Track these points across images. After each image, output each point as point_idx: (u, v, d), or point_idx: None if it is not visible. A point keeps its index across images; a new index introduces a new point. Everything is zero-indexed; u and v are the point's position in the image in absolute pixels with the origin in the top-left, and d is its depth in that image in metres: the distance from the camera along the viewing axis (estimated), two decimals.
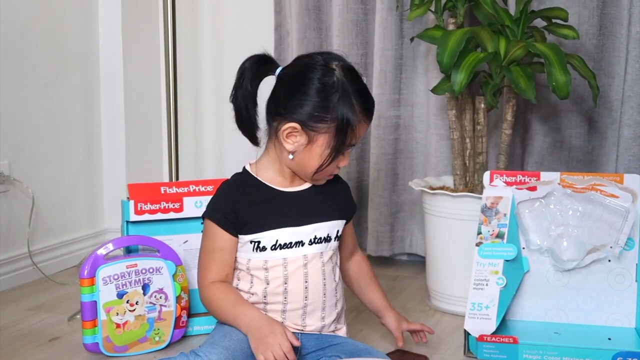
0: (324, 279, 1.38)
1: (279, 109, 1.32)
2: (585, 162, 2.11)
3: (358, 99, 1.31)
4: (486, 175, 1.73)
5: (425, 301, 1.97)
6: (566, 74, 1.69)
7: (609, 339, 1.58)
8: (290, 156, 1.35)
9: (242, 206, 1.36)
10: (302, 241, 1.36)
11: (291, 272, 1.36)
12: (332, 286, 1.39)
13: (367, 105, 1.33)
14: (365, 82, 1.37)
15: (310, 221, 1.37)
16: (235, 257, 1.38)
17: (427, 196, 1.92)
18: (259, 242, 1.35)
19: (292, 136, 1.32)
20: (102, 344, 1.55)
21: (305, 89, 1.29)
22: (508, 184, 1.71)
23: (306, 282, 1.36)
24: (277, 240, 1.35)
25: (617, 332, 1.62)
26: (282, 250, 1.35)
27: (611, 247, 1.64)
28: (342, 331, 1.43)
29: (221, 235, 1.37)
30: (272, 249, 1.35)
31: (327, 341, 1.38)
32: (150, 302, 1.60)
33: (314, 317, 1.37)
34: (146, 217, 1.67)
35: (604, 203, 1.65)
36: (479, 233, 1.66)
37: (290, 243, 1.35)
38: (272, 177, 1.39)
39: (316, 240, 1.37)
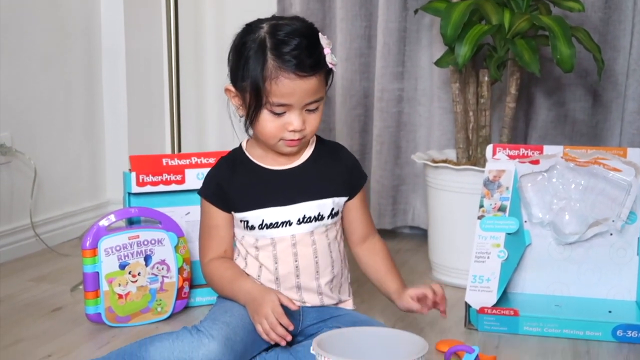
0: (316, 257, 1.36)
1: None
2: (589, 136, 2.11)
3: (274, 52, 1.24)
4: (489, 148, 1.73)
5: (427, 274, 1.98)
6: (571, 47, 1.69)
7: (610, 311, 1.59)
8: (240, 120, 1.35)
9: (230, 185, 1.36)
10: (289, 221, 1.33)
11: (280, 252, 1.35)
12: (326, 263, 1.37)
13: (282, 57, 1.24)
14: (325, 41, 1.29)
15: (298, 200, 1.34)
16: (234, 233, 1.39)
17: (429, 169, 1.92)
18: (247, 221, 1.35)
19: (234, 99, 1.33)
20: (104, 315, 1.57)
21: (233, 50, 1.30)
22: (511, 157, 1.71)
23: (296, 261, 1.35)
24: (263, 220, 1.34)
25: (617, 305, 1.63)
26: (270, 229, 1.34)
27: (613, 221, 1.64)
28: (348, 304, 1.43)
29: (215, 213, 1.37)
30: (259, 228, 1.35)
31: (329, 313, 1.38)
32: (152, 274, 1.61)
33: (310, 294, 1.37)
34: (148, 189, 1.67)
35: (606, 177, 1.65)
36: (481, 206, 1.67)
37: (277, 223, 1.34)
38: (260, 153, 1.37)
39: (305, 219, 1.34)
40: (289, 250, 1.35)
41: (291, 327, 1.25)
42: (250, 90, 1.26)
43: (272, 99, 1.26)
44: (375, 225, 1.50)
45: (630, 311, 1.60)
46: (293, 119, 1.28)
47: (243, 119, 1.35)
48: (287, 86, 1.25)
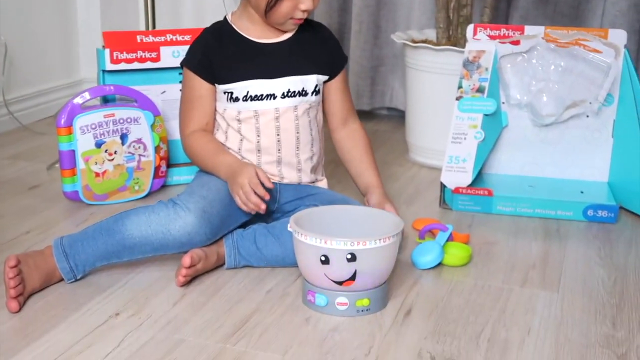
0: (297, 132, 1.37)
1: None
2: (571, 18, 2.08)
3: None
4: (470, 28, 1.70)
5: (403, 155, 2.00)
6: None
7: (582, 192, 1.62)
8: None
9: (216, 55, 1.35)
10: (274, 94, 1.34)
11: (263, 125, 1.35)
12: (307, 139, 1.38)
13: None
14: None
15: (283, 74, 1.34)
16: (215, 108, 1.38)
17: (409, 49, 1.89)
18: (231, 93, 1.35)
19: None
20: (81, 192, 1.57)
21: None
22: (491, 37, 1.69)
23: (278, 135, 1.36)
24: (248, 92, 1.34)
25: (590, 186, 1.66)
26: (254, 101, 1.34)
27: (590, 103, 1.65)
28: (323, 183, 1.45)
29: (199, 83, 1.36)
30: (243, 100, 1.34)
31: (306, 191, 1.40)
32: (129, 152, 1.60)
33: (289, 169, 1.38)
34: (122, 66, 1.64)
35: (586, 58, 1.64)
36: (460, 87, 1.66)
37: (262, 95, 1.34)
38: (247, 26, 1.36)
39: (289, 93, 1.35)
40: (271, 124, 1.35)
41: (267, 197, 1.27)
42: None
43: None
44: (355, 109, 1.50)
45: (601, 192, 1.63)
46: (307, 0, 1.30)
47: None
48: None
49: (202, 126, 1.37)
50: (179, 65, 1.40)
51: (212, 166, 1.34)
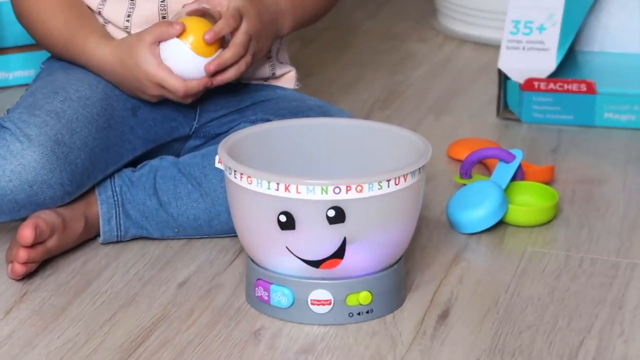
0: None
1: None
2: None
3: None
4: None
5: (427, 20, 2.04)
6: None
7: None
8: None
9: None
10: None
11: None
12: None
13: None
14: None
15: None
16: None
17: None
18: None
19: None
20: None
21: None
22: None
23: None
24: None
25: None
26: None
27: None
28: (287, 79, 1.45)
29: None
30: None
31: (250, 97, 1.40)
32: None
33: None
34: None
35: None
36: None
37: None
38: None
39: None
40: None
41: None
42: None
43: None
44: None
45: None
46: None
47: None
48: None
49: None
50: None
51: (71, 54, 1.34)
